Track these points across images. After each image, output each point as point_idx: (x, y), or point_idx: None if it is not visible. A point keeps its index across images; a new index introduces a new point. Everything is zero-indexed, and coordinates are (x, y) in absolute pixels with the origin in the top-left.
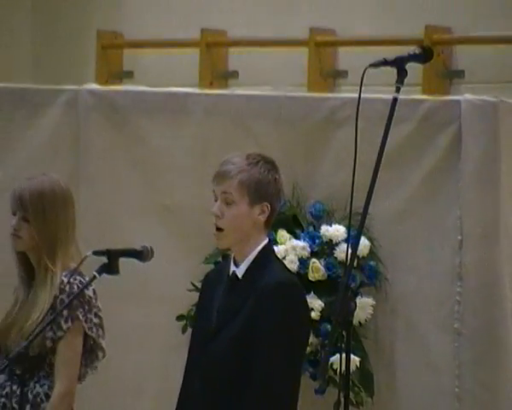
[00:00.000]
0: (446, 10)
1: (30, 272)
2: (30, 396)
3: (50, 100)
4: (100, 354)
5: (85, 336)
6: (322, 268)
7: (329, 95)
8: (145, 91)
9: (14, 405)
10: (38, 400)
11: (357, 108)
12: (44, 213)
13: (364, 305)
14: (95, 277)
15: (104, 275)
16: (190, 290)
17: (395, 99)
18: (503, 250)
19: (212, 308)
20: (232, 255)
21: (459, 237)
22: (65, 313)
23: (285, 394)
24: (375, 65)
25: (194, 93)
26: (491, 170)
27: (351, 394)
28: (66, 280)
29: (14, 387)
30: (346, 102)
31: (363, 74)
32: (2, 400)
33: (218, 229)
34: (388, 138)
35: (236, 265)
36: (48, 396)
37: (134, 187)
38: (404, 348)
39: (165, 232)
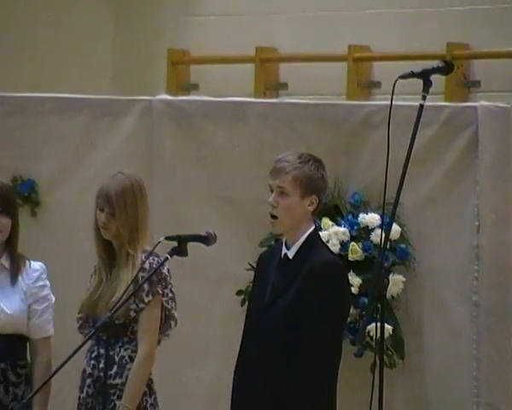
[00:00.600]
0: (465, 28)
1: (111, 255)
2: (116, 358)
3: (128, 109)
4: (172, 324)
5: (162, 307)
6: (359, 250)
7: (365, 102)
8: (208, 100)
9: (102, 365)
10: (124, 361)
11: (389, 114)
12: (126, 208)
13: (396, 281)
14: (167, 258)
15: (175, 257)
16: (248, 270)
17: (421, 106)
18: None
19: (265, 285)
20: (284, 239)
21: (476, 223)
22: (146, 288)
23: (329, 360)
24: (404, 76)
25: (250, 102)
26: (504, 166)
27: (384, 357)
28: (145, 261)
29: (102, 350)
30: (379, 109)
31: (394, 85)
32: (92, 362)
33: (273, 217)
34: (415, 139)
35: (288, 247)
36: (131, 359)
37: (199, 182)
38: (430, 318)
39: (226, 220)
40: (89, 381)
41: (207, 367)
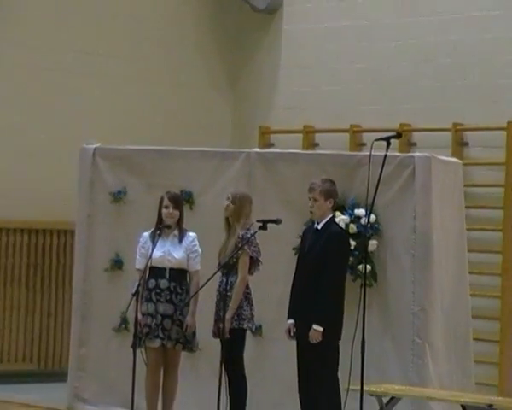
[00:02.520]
0: (410, 112)
1: (229, 226)
2: (230, 282)
3: (236, 155)
4: (259, 265)
5: (251, 257)
6: (354, 227)
7: (358, 153)
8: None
9: (223, 286)
10: (233, 283)
11: (369, 159)
12: (241, 203)
13: (373, 243)
14: (256, 232)
15: (260, 231)
16: (299, 236)
17: (385, 155)
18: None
19: (306, 243)
20: (316, 221)
21: (413, 215)
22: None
23: (338, 280)
24: (377, 140)
25: (302, 153)
26: (427, 185)
27: (366, 281)
28: (243, 232)
29: (224, 279)
30: (365, 157)
31: (372, 144)
32: (220, 284)
33: (311, 212)
34: (382, 171)
35: (318, 224)
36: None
37: (276, 193)
38: (390, 262)
39: (288, 213)
40: (217, 293)
41: (274, 297)
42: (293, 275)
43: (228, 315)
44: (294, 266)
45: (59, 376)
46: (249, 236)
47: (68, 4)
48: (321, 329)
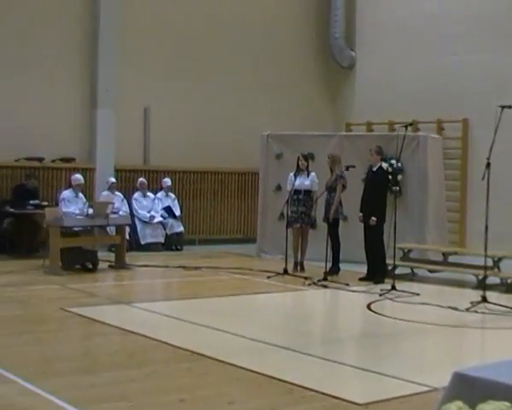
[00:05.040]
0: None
1: (331, 170)
2: (332, 196)
3: (334, 136)
4: (345, 188)
5: (342, 184)
6: (390, 169)
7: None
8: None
9: (328, 198)
10: (334, 197)
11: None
12: (335, 159)
13: (400, 178)
14: (343, 171)
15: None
16: (364, 174)
17: (404, 135)
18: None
19: (368, 177)
20: (372, 166)
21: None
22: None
23: (383, 196)
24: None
25: (354, 134)
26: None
27: (397, 195)
28: (338, 172)
29: (329, 194)
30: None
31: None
32: (325, 197)
33: (370, 161)
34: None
35: (373, 168)
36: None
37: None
38: (412, 187)
39: (359, 163)
40: (325, 201)
41: (354, 195)
42: (362, 191)
43: (331, 210)
44: (363, 187)
45: (254, 240)
46: (341, 174)
47: None
48: (375, 218)
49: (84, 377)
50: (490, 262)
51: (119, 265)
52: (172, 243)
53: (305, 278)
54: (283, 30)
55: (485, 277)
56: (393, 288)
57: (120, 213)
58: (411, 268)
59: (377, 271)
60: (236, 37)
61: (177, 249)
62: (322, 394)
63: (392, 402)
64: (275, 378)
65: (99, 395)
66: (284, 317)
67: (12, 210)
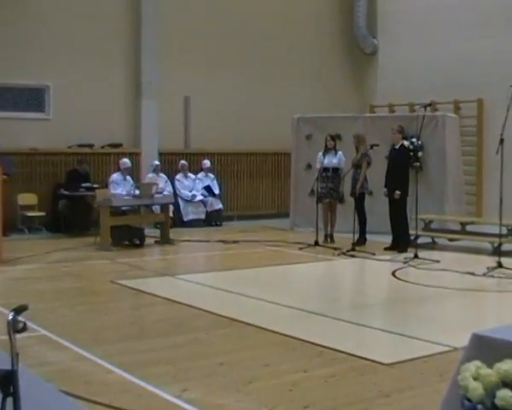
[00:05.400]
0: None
1: (356, 149)
2: (358, 172)
3: (359, 117)
4: (370, 165)
5: (367, 162)
6: (411, 146)
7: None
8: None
9: (354, 174)
10: (360, 173)
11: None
12: (360, 138)
13: (420, 153)
14: (368, 150)
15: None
16: (388, 151)
17: (424, 115)
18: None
19: (391, 155)
20: (394, 144)
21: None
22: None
23: (406, 172)
24: (423, 106)
25: (383, 115)
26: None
27: (418, 170)
28: (363, 151)
29: (355, 171)
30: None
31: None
32: (351, 174)
33: (393, 139)
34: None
35: (395, 146)
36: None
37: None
38: (432, 161)
39: (382, 142)
40: (352, 177)
41: (377, 172)
42: (386, 167)
43: (358, 186)
44: (386, 164)
45: (287, 215)
46: (366, 152)
47: None
48: (399, 192)
49: (133, 343)
50: (504, 230)
51: (164, 240)
52: (212, 220)
53: (335, 248)
54: (312, 22)
55: (500, 244)
56: (416, 256)
57: (164, 192)
58: (432, 238)
59: (401, 240)
60: (270, 29)
61: (217, 225)
62: (351, 355)
63: (416, 362)
64: (307, 342)
65: (146, 359)
66: (315, 285)
67: (66, 193)
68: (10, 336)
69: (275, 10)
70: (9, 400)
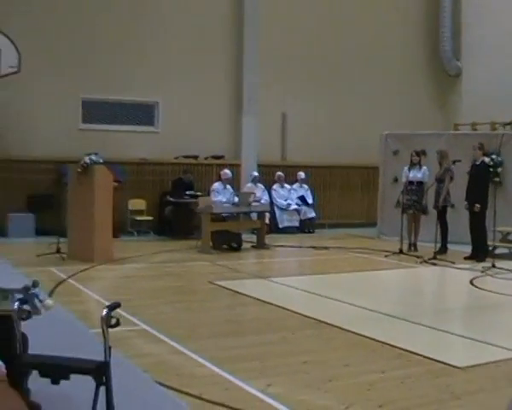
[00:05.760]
0: None
1: (440, 164)
2: (441, 186)
3: (443, 134)
4: (453, 179)
5: (450, 176)
6: (492, 162)
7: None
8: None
9: (438, 188)
10: (443, 187)
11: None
12: (443, 154)
13: (500, 169)
14: (451, 165)
15: (452, 165)
16: (469, 167)
17: (503, 134)
18: None
19: (472, 170)
20: (476, 160)
21: None
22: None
23: (486, 186)
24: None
25: (461, 133)
26: None
27: (497, 185)
28: (446, 166)
29: (438, 184)
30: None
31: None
32: (435, 188)
33: (474, 155)
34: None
35: (476, 161)
36: None
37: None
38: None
39: (464, 157)
40: (435, 190)
41: (460, 187)
42: (467, 182)
43: (440, 199)
44: (468, 179)
45: (374, 224)
46: (448, 167)
47: None
48: (479, 205)
49: (224, 340)
50: None
51: (260, 245)
52: (305, 227)
53: (417, 256)
54: (400, 47)
55: None
56: (493, 266)
57: (262, 201)
58: (509, 249)
59: (480, 251)
60: (362, 52)
61: (310, 232)
62: (427, 358)
63: (489, 366)
64: (387, 344)
65: (235, 355)
66: (398, 290)
67: (172, 199)
68: (103, 331)
69: (367, 35)
70: (102, 389)
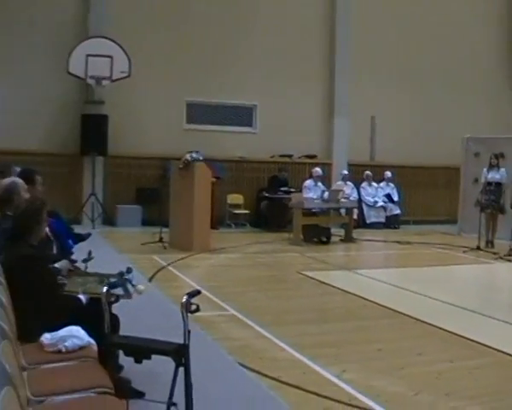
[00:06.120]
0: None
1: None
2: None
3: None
4: None
5: None
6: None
7: None
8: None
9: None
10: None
11: None
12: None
13: None
14: None
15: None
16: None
17: None
18: None
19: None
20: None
21: None
22: None
23: None
24: None
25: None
26: None
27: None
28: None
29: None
30: None
31: None
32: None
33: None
34: None
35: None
36: None
37: None
38: None
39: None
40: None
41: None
42: None
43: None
44: None
45: (455, 221)
46: None
47: None
48: None
49: (307, 326)
50: None
51: (348, 239)
52: (391, 223)
53: (494, 253)
54: (483, 52)
55: None
56: None
57: (350, 198)
58: None
59: None
60: (446, 58)
61: (395, 228)
62: (497, 350)
63: None
64: (458, 335)
65: (315, 341)
66: (474, 285)
67: (267, 195)
68: (183, 316)
69: (452, 42)
70: (181, 369)
